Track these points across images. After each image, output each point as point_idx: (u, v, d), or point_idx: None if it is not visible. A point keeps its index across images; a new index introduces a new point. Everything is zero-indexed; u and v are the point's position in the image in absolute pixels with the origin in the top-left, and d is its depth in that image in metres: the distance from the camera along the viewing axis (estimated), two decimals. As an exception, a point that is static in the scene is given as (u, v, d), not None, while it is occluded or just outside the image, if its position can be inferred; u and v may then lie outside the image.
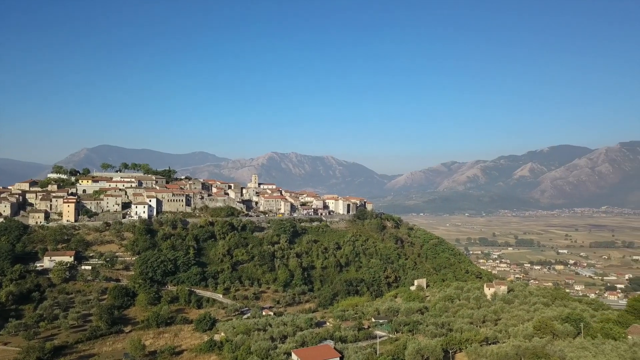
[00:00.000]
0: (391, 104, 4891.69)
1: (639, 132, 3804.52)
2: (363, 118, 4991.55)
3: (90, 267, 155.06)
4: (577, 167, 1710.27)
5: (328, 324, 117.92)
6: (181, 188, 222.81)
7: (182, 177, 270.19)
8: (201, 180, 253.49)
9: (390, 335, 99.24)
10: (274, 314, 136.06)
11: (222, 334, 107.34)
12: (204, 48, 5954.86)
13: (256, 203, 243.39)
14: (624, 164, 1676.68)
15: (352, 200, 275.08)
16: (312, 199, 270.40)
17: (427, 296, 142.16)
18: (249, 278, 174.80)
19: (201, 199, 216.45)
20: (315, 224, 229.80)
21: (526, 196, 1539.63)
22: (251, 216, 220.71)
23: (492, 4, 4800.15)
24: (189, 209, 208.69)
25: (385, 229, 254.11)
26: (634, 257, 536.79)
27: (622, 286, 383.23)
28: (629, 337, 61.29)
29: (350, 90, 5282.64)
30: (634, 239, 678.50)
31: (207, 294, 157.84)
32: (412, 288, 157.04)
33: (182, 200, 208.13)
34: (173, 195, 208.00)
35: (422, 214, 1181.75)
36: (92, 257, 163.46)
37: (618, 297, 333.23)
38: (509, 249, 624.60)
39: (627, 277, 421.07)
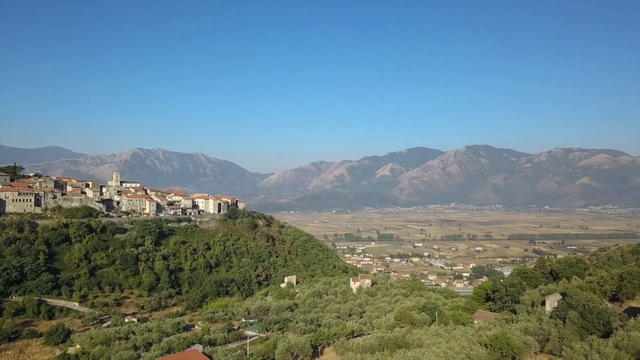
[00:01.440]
0: (261, 103, 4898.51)
1: (479, 137, 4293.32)
2: (233, 115, 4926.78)
3: None
4: (430, 167, 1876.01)
5: (197, 327, 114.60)
6: (30, 186, 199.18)
7: (31, 174, 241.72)
8: (54, 177, 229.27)
9: (261, 335, 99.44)
10: (138, 320, 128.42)
11: (78, 346, 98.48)
12: (54, 33, 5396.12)
13: (118, 203, 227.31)
14: (469, 165, 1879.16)
15: (223, 199, 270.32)
16: (180, 198, 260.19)
17: (297, 293, 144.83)
18: (110, 283, 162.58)
19: (54, 198, 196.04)
20: (183, 224, 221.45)
21: (387, 194, 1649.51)
22: (112, 217, 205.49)
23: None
24: (39, 210, 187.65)
25: (257, 228, 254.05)
26: (477, 248, 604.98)
27: (467, 274, 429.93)
28: (475, 321, 68.42)
29: (220, 86, 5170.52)
30: (477, 232, 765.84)
31: (60, 303, 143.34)
32: (283, 285, 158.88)
33: (30, 200, 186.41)
34: (19, 194, 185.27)
35: (292, 212, 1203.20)
36: None
37: (464, 284, 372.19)
38: (372, 243, 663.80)
39: (471, 266, 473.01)
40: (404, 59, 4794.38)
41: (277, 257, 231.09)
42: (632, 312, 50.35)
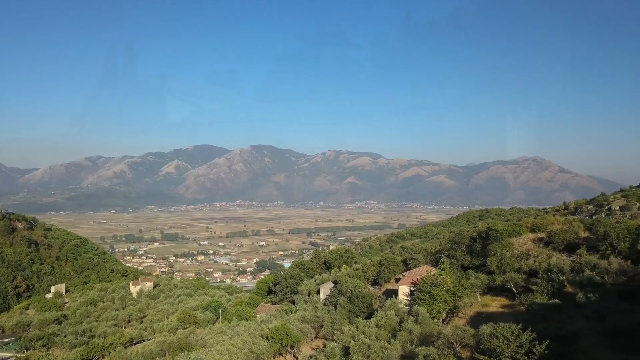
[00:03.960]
0: (19, 83, 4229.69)
1: (263, 136, 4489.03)
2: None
3: None
4: (217, 165, 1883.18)
5: None
6: None
7: None
8: None
9: (19, 355, 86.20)
10: None
11: None
12: None
13: None
14: (254, 164, 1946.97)
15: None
16: None
17: (66, 303, 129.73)
18: None
19: None
20: None
21: (172, 192, 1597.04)
22: None
23: None
24: None
25: (16, 232, 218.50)
26: (260, 243, 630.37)
27: (251, 269, 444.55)
28: (258, 315, 70.83)
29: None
30: (260, 228, 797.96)
31: None
32: (49, 296, 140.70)
33: None
34: None
35: (62, 213, 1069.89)
36: None
37: (248, 279, 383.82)
38: (155, 243, 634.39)
39: (255, 261, 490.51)
40: (196, 58, 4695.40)
41: (42, 264, 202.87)
42: (389, 293, 58.55)
